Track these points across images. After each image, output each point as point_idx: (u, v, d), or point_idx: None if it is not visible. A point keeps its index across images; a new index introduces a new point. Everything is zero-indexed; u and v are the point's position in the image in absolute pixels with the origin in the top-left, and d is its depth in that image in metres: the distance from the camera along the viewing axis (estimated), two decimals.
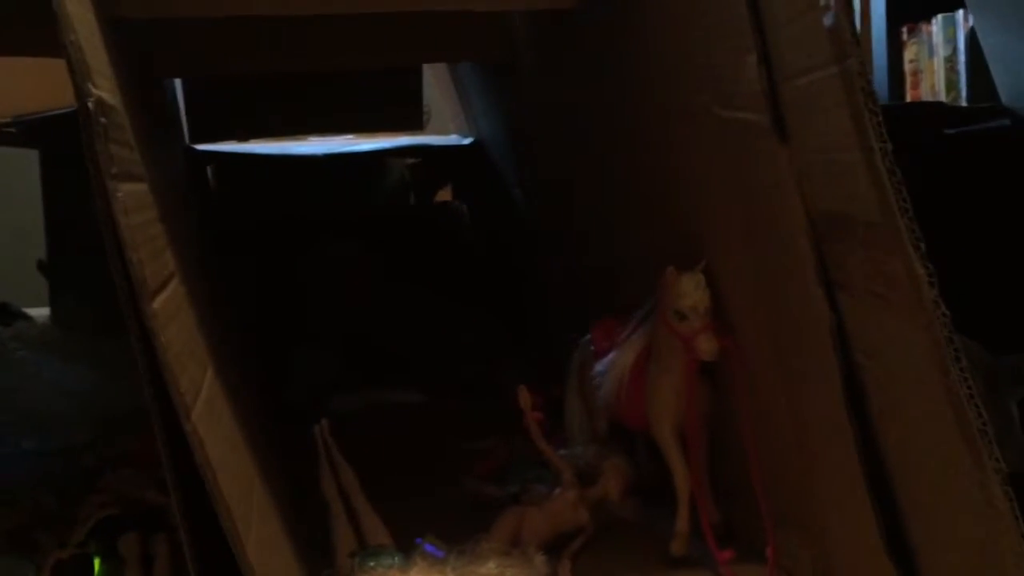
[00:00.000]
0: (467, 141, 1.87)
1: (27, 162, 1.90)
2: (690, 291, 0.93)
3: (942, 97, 1.88)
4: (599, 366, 1.07)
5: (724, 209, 0.89)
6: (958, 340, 0.58)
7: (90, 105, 0.57)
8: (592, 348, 1.11)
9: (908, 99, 1.95)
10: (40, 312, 1.89)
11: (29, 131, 1.65)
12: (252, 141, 1.86)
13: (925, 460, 0.65)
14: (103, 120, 0.58)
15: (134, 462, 1.03)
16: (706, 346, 0.92)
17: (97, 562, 0.87)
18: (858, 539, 0.75)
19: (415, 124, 1.81)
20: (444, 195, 2.04)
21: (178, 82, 1.59)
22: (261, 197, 1.86)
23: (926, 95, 1.93)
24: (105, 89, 0.61)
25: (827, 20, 0.60)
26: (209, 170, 1.85)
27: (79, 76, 0.57)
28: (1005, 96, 1.41)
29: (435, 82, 1.88)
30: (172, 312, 0.65)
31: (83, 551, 0.86)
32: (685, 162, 0.96)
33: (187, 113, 1.64)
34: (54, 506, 0.98)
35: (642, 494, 1.07)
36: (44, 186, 1.84)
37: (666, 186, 1.02)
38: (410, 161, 1.96)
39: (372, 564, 0.89)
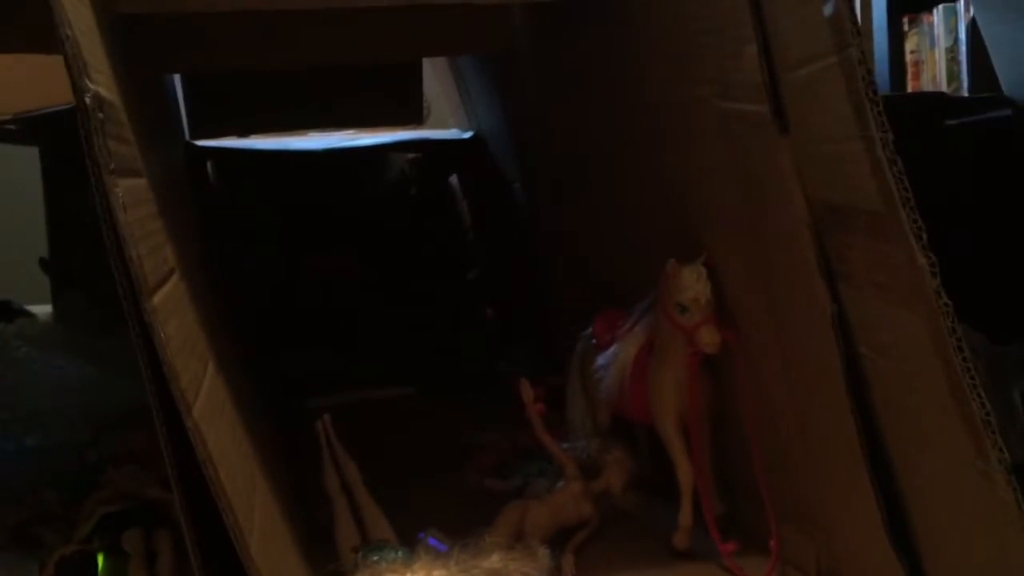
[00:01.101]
0: (467, 135, 1.86)
1: (28, 159, 1.89)
2: (691, 284, 0.93)
3: (943, 88, 1.88)
4: (601, 359, 1.07)
5: (724, 201, 0.89)
6: (960, 330, 0.58)
7: (87, 100, 0.57)
8: (593, 341, 1.10)
9: (909, 90, 1.95)
10: (42, 309, 1.89)
11: (29, 128, 1.64)
12: (252, 137, 1.86)
13: (928, 451, 0.65)
14: (100, 115, 0.57)
15: (136, 459, 1.03)
16: (708, 339, 0.92)
17: (101, 558, 0.87)
18: (862, 530, 0.75)
19: (415, 119, 1.80)
20: None
21: (177, 78, 1.59)
22: (260, 193, 1.85)
23: (927, 86, 1.92)
24: (102, 84, 0.61)
25: (827, 9, 0.60)
26: (209, 165, 1.84)
27: (76, 71, 0.57)
28: (1006, 86, 1.40)
29: (435, 76, 1.88)
30: (172, 308, 0.65)
31: (87, 547, 0.86)
32: (684, 154, 0.95)
33: (186, 109, 1.63)
34: (57, 503, 0.98)
35: (643, 487, 1.07)
36: (45, 183, 1.83)
37: (666, 178, 1.01)
38: (410, 156, 1.96)
39: (376, 558, 0.89)
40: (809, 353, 0.78)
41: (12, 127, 1.67)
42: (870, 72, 0.58)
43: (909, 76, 1.96)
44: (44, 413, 1.39)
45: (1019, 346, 0.89)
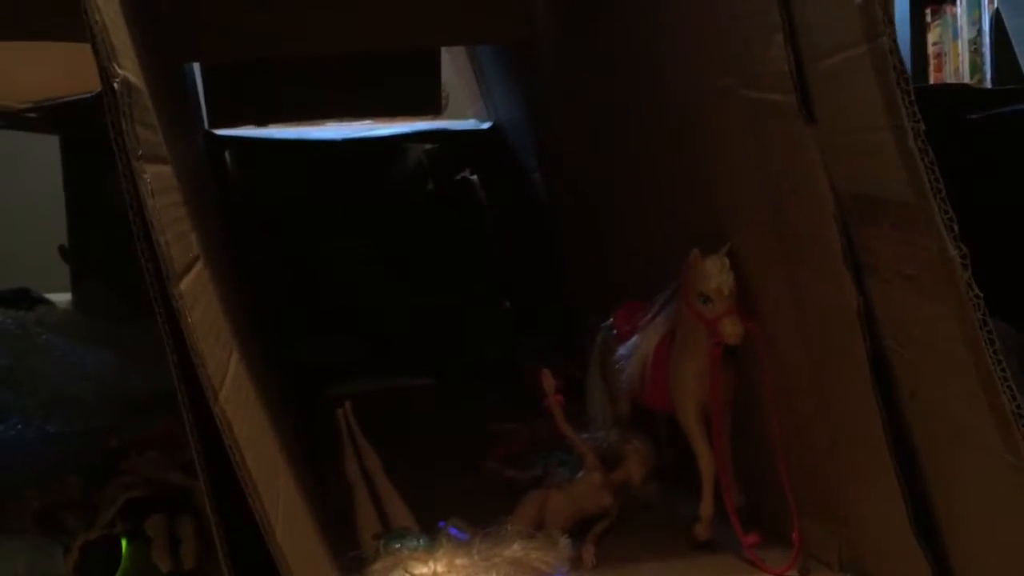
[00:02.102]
0: (485, 126, 1.86)
1: (48, 147, 1.90)
2: (714, 274, 0.93)
3: (966, 79, 1.86)
4: (622, 350, 1.07)
5: (749, 191, 0.88)
6: (991, 322, 0.57)
7: (116, 85, 0.57)
8: (614, 332, 1.10)
9: (932, 82, 1.93)
10: (61, 297, 1.90)
11: (50, 117, 1.65)
12: (271, 126, 1.86)
13: (956, 444, 0.65)
14: (129, 101, 0.58)
15: (158, 445, 1.04)
16: (730, 329, 0.92)
17: (124, 543, 0.87)
18: (886, 523, 0.74)
19: (433, 109, 1.80)
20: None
21: (196, 66, 1.59)
22: (279, 182, 1.86)
23: (950, 78, 1.91)
24: (130, 70, 0.61)
25: None
26: (227, 155, 1.85)
27: (105, 56, 0.57)
28: None
29: (453, 66, 1.88)
30: (197, 294, 0.65)
31: (110, 532, 0.87)
32: (709, 144, 0.95)
33: (206, 98, 1.64)
34: (80, 488, 0.99)
35: (663, 478, 1.07)
36: (65, 172, 1.85)
37: (689, 168, 1.01)
38: (427, 146, 1.96)
39: (397, 546, 0.89)
40: (834, 345, 0.77)
41: (33, 115, 1.68)
42: (901, 61, 0.57)
43: (932, 68, 1.95)
44: (65, 399, 1.40)
45: None
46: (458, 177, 1.97)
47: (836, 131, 0.69)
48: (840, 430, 0.81)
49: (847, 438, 0.80)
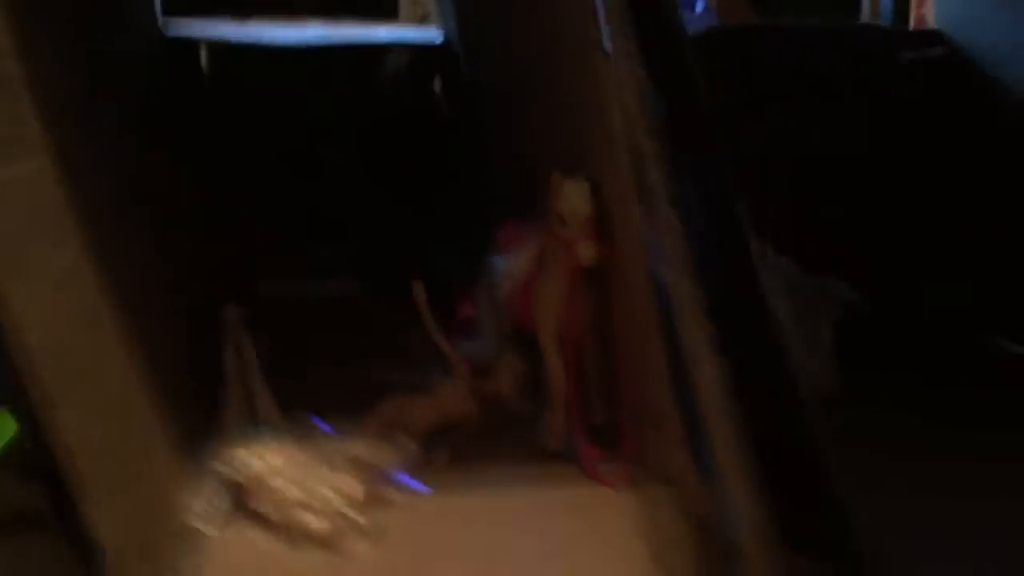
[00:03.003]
0: (440, 40, 1.86)
1: None
2: (571, 197, 0.95)
3: None
4: (499, 267, 1.10)
5: (597, 118, 0.90)
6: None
7: None
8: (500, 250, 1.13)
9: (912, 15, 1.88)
10: None
11: None
12: (237, 23, 1.86)
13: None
14: None
15: None
16: (585, 252, 0.95)
17: None
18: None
19: (389, 13, 1.80)
20: None
21: None
22: (257, 86, 1.87)
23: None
24: None
25: None
26: (202, 55, 1.86)
27: None
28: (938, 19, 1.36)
29: None
30: None
31: None
32: (578, 72, 0.96)
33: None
34: None
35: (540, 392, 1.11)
36: None
37: (567, 95, 1.02)
38: (405, 54, 1.96)
39: (251, 440, 0.95)
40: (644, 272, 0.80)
41: None
42: None
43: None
44: None
45: (824, 278, 0.90)
46: (432, 86, 1.98)
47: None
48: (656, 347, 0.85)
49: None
